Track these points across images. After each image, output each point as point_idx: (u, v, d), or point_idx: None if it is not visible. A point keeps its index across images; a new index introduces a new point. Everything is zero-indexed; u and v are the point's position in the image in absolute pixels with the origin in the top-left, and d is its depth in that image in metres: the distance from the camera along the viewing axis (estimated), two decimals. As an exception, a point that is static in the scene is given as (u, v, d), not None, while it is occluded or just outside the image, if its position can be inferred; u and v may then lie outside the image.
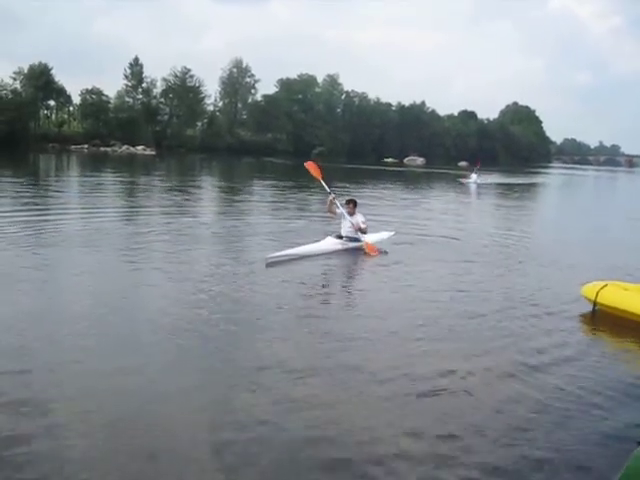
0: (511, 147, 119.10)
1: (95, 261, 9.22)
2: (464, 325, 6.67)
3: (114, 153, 59.71)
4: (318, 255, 10.17)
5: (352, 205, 11.20)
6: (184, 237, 11.64)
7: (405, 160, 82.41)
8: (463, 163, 74.25)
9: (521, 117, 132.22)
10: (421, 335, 6.27)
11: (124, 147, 63.66)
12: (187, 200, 20.00)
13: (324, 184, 11.30)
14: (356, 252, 10.75)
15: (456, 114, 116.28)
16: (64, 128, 68.31)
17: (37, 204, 16.45)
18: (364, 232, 10.97)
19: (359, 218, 11.10)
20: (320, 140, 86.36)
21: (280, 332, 6.14)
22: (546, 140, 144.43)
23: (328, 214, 11.79)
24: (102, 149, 61.88)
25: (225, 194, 24.30)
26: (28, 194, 18.92)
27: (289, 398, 4.60)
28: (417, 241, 12.46)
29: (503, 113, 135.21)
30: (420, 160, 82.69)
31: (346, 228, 11.02)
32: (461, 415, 4.50)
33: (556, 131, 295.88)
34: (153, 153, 61.97)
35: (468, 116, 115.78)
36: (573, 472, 3.84)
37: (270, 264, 8.99)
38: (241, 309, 6.91)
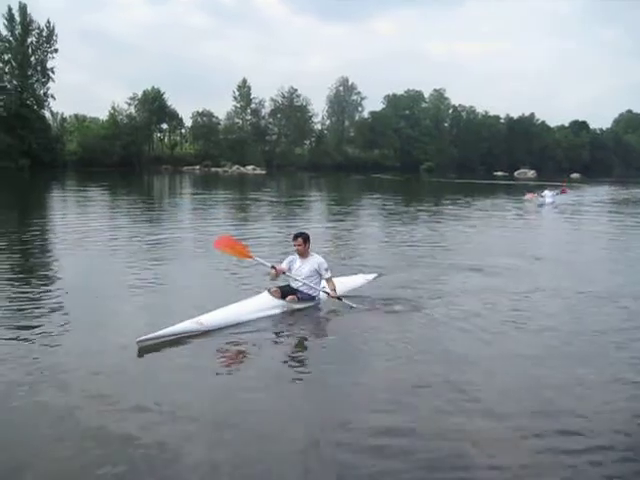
0: (626, 157, 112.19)
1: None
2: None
3: (225, 173, 60.35)
4: (239, 324, 5.99)
5: (302, 241, 7.03)
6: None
7: (516, 173, 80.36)
8: (576, 175, 71.16)
9: (636, 125, 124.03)
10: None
11: (234, 167, 64.41)
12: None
13: (258, 259, 7.09)
14: (312, 315, 6.76)
15: (567, 125, 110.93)
16: (176, 150, 70.19)
17: (151, 220, 16.54)
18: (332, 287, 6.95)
19: (317, 261, 7.02)
20: (428, 155, 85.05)
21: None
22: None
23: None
24: (213, 169, 62.79)
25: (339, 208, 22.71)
26: (145, 211, 19.30)
27: None
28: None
29: (617, 122, 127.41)
30: (531, 173, 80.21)
31: (298, 277, 6.97)
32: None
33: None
34: (263, 172, 62.14)
35: (579, 127, 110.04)
36: None
37: (145, 348, 5.21)
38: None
